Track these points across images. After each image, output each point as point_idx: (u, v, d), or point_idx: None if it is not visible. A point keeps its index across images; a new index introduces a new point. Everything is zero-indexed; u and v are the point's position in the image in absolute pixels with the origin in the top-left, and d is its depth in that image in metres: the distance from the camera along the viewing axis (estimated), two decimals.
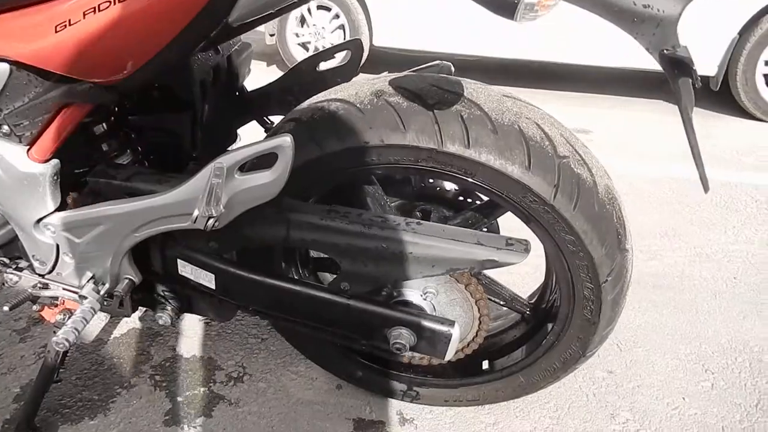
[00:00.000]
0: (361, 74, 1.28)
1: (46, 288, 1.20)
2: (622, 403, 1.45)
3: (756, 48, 3.64)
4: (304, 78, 1.43)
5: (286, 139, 0.92)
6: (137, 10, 0.89)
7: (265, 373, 1.50)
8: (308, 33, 4.46)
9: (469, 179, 1.03)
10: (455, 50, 4.09)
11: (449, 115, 1.00)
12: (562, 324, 1.17)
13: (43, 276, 1.18)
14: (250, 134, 1.42)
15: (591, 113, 3.81)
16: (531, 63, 4.23)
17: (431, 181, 1.34)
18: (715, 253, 2.15)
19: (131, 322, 1.65)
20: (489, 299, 1.19)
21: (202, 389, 1.44)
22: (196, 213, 0.99)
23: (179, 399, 1.41)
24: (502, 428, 1.36)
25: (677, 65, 0.85)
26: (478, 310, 1.14)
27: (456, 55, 4.07)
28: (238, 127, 1.49)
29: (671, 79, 0.87)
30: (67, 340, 1.06)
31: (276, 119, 1.40)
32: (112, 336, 1.60)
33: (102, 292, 1.15)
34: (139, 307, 1.25)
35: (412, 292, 1.14)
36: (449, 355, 1.10)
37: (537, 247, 1.03)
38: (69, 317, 1.11)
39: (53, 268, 1.16)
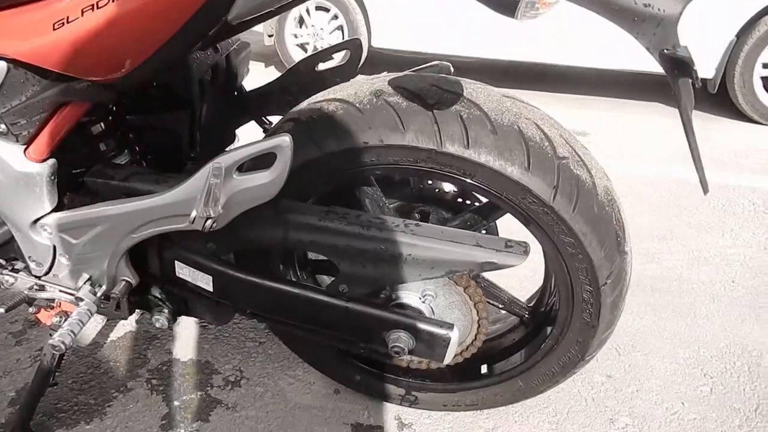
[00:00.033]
0: (359, 75, 1.27)
1: (43, 290, 1.19)
2: (621, 407, 1.44)
3: (753, 50, 3.65)
4: (302, 78, 1.42)
5: (285, 139, 0.91)
6: (136, 8, 0.89)
7: (263, 377, 1.49)
8: (307, 34, 4.46)
9: (468, 180, 1.02)
10: (454, 51, 4.09)
11: (449, 115, 0.99)
12: (561, 327, 1.16)
13: (39, 278, 1.17)
14: (249, 135, 1.42)
15: (588, 115, 3.81)
16: (528, 65, 4.23)
17: (430, 182, 1.33)
18: (713, 256, 2.15)
19: (128, 326, 1.64)
20: (487, 302, 1.18)
21: (199, 393, 1.43)
22: (194, 214, 0.98)
23: (176, 403, 1.40)
24: None
25: (677, 65, 0.85)
26: (477, 313, 1.14)
27: (454, 56, 4.07)
28: (237, 128, 1.49)
29: (671, 80, 0.87)
30: (63, 342, 1.05)
31: (274, 119, 1.40)
32: (109, 339, 1.59)
33: (99, 294, 1.14)
34: (136, 310, 1.24)
35: (411, 295, 1.13)
36: (448, 359, 1.09)
37: (534, 251, 1.03)
38: (65, 319, 1.10)
39: (50, 269, 1.15)
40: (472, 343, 1.18)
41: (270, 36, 4.53)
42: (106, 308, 1.17)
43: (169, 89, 1.23)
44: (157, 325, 1.22)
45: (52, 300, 1.21)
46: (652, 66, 3.75)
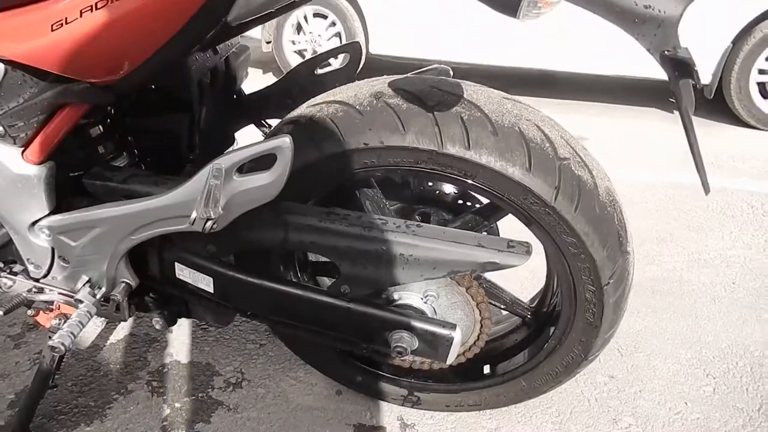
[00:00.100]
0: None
1: (41, 292, 1.18)
2: (625, 408, 1.43)
3: (749, 57, 3.67)
4: (302, 81, 1.42)
5: (285, 140, 0.91)
6: (135, 9, 0.89)
7: (264, 378, 1.48)
8: (305, 40, 4.46)
9: (470, 181, 1.02)
10: (451, 57, 4.09)
11: (449, 116, 0.99)
12: (564, 327, 1.16)
13: (38, 280, 1.17)
14: (248, 138, 1.41)
15: (584, 120, 3.81)
16: (525, 70, 4.24)
17: (430, 184, 1.33)
18: (713, 258, 2.15)
19: (127, 328, 1.63)
20: (490, 303, 1.18)
21: (200, 395, 1.42)
22: (194, 215, 0.97)
23: (177, 405, 1.39)
24: None
25: (678, 66, 0.85)
26: (480, 313, 1.13)
27: (452, 62, 4.05)
28: (236, 130, 1.48)
29: (672, 81, 0.87)
30: (63, 344, 1.05)
31: (273, 123, 1.39)
32: (109, 342, 1.58)
33: (98, 296, 1.13)
34: (136, 312, 1.24)
35: (413, 295, 1.12)
36: (451, 359, 1.09)
37: (533, 252, 1.02)
38: (64, 322, 1.10)
39: (48, 272, 1.14)
40: (474, 343, 1.17)
41: (268, 42, 4.54)
42: (105, 310, 1.16)
43: (168, 91, 1.23)
44: (157, 327, 1.21)
45: (51, 302, 1.20)
46: (648, 72, 3.80)
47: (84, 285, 1.13)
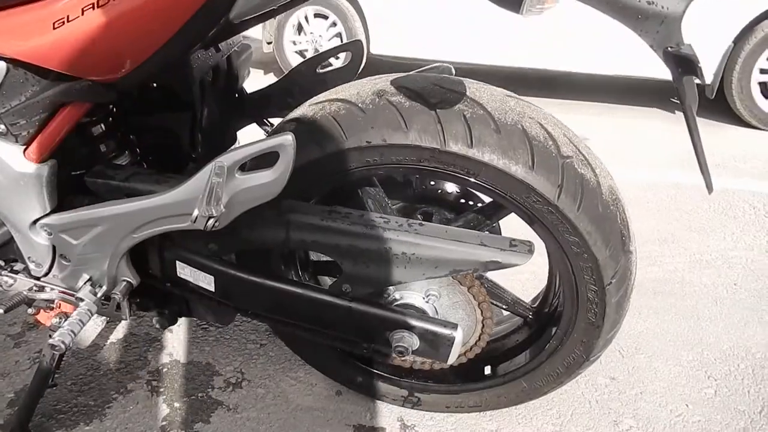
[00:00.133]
0: None
1: (42, 291, 1.18)
2: (626, 409, 1.43)
3: (751, 56, 3.67)
4: (303, 80, 1.42)
5: (288, 138, 0.91)
6: (137, 6, 0.88)
7: (264, 378, 1.48)
8: (305, 41, 4.47)
9: (472, 179, 1.01)
10: (452, 58, 4.09)
11: (452, 114, 0.99)
12: (566, 327, 1.16)
13: (38, 278, 1.16)
14: (249, 137, 1.41)
15: (585, 120, 3.81)
16: (525, 70, 4.24)
17: (432, 183, 1.33)
18: (715, 259, 2.15)
19: (128, 327, 1.63)
20: (491, 303, 1.17)
21: (199, 395, 1.42)
22: (195, 213, 0.97)
23: (176, 405, 1.39)
24: None
25: (681, 63, 0.85)
26: (481, 313, 1.13)
27: (452, 62, 4.06)
28: (238, 129, 1.48)
29: (675, 77, 0.87)
30: (63, 342, 1.04)
31: (275, 122, 1.39)
32: (109, 341, 1.58)
33: (99, 295, 1.13)
34: (137, 311, 1.23)
35: (414, 295, 1.12)
36: (452, 359, 1.08)
37: (536, 253, 1.02)
38: (65, 320, 1.09)
39: (49, 270, 1.14)
40: (476, 343, 1.17)
41: (269, 43, 4.55)
42: (106, 308, 1.16)
43: (170, 90, 1.23)
44: (158, 326, 1.21)
45: (52, 301, 1.20)
46: (649, 71, 3.80)
47: (85, 283, 1.13)
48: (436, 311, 1.12)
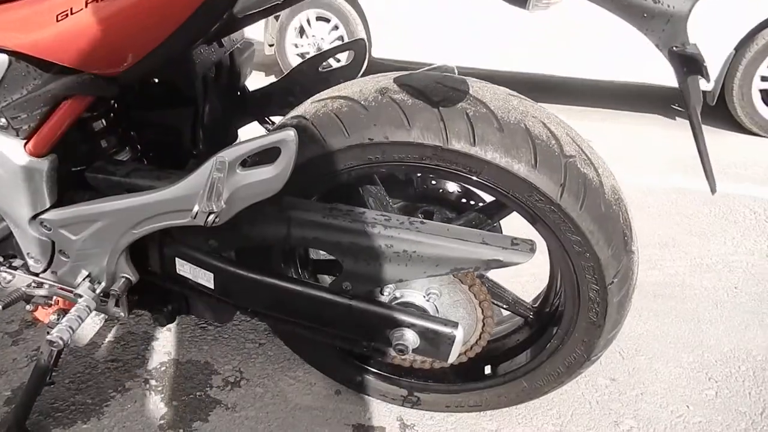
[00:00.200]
0: None
1: (41, 287, 1.17)
2: (626, 410, 1.42)
3: (752, 63, 3.67)
4: (305, 79, 1.42)
5: (290, 134, 0.90)
6: None
7: (263, 377, 1.47)
8: (307, 44, 4.47)
9: (474, 177, 1.01)
10: (454, 62, 4.10)
11: (455, 112, 0.99)
12: (567, 327, 1.15)
13: (37, 275, 1.16)
14: (250, 136, 1.41)
15: (587, 126, 3.81)
16: (527, 75, 4.24)
17: (434, 182, 1.32)
18: (716, 263, 2.14)
19: (126, 326, 1.62)
20: (492, 303, 1.17)
21: (198, 394, 1.41)
22: (196, 208, 0.97)
23: (175, 403, 1.38)
24: None
25: (686, 62, 0.84)
26: (482, 311, 1.12)
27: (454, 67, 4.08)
28: (239, 127, 1.48)
29: (679, 77, 0.87)
30: (61, 338, 1.03)
31: (277, 120, 1.39)
32: (107, 339, 1.57)
33: (98, 291, 1.12)
34: (135, 309, 1.23)
35: (415, 293, 1.12)
36: (452, 358, 1.08)
37: (537, 252, 1.02)
38: (63, 317, 1.08)
39: (48, 266, 1.13)
40: (476, 342, 1.17)
41: (271, 45, 4.56)
42: (105, 305, 1.15)
43: (172, 85, 1.23)
44: (157, 323, 1.20)
45: (50, 297, 1.19)
46: (650, 77, 3.80)
47: (84, 279, 1.12)
48: (437, 310, 1.12)
